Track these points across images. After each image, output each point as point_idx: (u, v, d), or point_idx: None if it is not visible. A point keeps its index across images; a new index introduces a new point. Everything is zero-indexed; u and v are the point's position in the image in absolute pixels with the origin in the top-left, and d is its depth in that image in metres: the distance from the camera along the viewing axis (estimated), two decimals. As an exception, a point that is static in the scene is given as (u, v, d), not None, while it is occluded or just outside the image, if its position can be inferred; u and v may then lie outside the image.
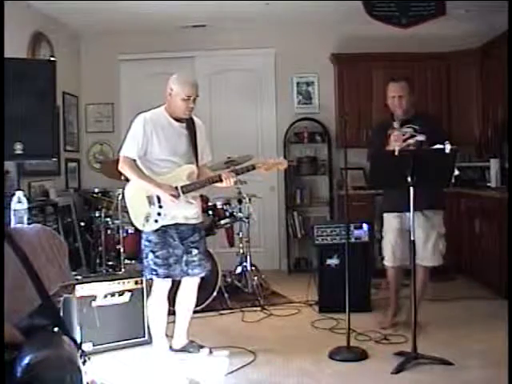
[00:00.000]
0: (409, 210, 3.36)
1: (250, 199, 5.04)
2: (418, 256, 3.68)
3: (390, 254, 3.90)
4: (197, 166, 3.44)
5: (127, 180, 3.47)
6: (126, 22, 5.88)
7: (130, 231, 4.68)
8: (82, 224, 5.66)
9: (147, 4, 5.26)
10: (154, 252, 3.34)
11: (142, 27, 6.04)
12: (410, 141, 3.64)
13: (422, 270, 3.80)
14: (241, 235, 5.17)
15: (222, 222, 4.88)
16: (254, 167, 3.44)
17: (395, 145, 3.55)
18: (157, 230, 3.34)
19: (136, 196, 3.38)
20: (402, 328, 3.86)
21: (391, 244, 3.88)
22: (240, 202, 5.05)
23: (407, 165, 3.22)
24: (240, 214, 5.02)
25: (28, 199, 2.86)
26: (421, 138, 3.66)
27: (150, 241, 3.36)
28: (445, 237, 3.87)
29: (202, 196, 4.70)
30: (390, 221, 3.90)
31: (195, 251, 3.43)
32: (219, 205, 4.86)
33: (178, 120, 3.40)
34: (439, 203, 3.87)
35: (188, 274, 3.44)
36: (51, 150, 3.41)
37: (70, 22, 5.93)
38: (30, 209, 2.89)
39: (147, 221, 3.33)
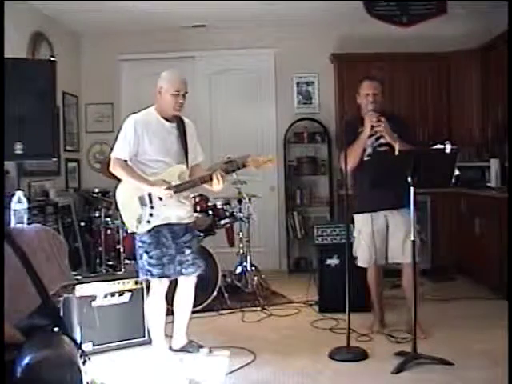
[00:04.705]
0: (381, 209, 3.69)
1: (249, 199, 5.04)
2: (399, 254, 3.72)
3: (365, 255, 3.85)
4: (187, 165, 3.44)
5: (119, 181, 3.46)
6: (126, 22, 5.88)
7: (129, 231, 4.67)
8: (82, 224, 5.66)
9: (147, 4, 5.26)
10: (147, 252, 3.33)
11: (142, 27, 6.04)
12: (382, 140, 3.72)
13: (407, 266, 3.75)
14: (241, 235, 5.17)
15: (222, 221, 4.88)
16: (244, 165, 3.43)
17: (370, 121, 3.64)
18: (150, 231, 3.33)
19: (128, 198, 3.36)
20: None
21: (367, 245, 3.82)
22: (240, 202, 5.05)
23: (408, 165, 3.22)
24: (240, 214, 5.02)
25: (28, 199, 2.86)
26: None
27: (143, 241, 3.35)
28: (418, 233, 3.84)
29: (201, 196, 4.72)
30: (363, 221, 3.85)
31: (188, 251, 3.43)
32: (219, 205, 4.86)
33: (168, 120, 3.41)
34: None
35: (182, 274, 3.45)
36: (51, 150, 3.41)
37: (70, 22, 5.94)
38: (29, 209, 2.89)
39: (139, 222, 3.32)
